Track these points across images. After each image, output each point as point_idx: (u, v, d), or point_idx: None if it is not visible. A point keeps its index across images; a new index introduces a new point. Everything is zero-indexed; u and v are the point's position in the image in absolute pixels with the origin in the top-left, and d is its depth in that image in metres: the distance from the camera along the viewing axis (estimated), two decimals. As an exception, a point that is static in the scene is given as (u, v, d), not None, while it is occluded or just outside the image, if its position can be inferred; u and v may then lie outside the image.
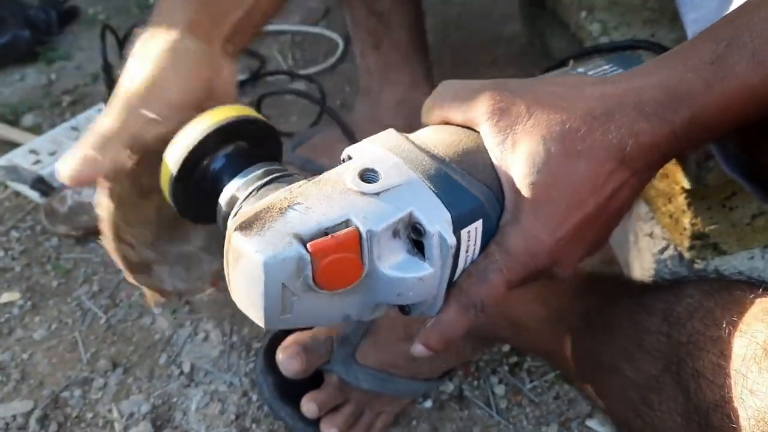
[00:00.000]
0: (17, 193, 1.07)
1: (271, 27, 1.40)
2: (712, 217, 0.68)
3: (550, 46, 0.93)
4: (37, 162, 1.07)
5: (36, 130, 1.20)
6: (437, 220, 0.39)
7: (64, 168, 0.50)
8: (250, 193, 0.44)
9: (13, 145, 1.14)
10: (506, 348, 0.81)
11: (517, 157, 0.41)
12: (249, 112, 0.49)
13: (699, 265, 0.71)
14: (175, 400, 0.79)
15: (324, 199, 0.39)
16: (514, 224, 0.42)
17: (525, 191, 0.41)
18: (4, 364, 0.83)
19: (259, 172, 0.46)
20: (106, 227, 0.46)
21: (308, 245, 0.38)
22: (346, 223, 0.38)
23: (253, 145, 0.49)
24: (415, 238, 0.40)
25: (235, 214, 0.43)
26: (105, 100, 1.18)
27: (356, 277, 0.39)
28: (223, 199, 0.46)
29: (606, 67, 0.53)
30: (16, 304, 0.90)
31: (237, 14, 0.58)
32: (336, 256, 0.38)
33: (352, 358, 0.71)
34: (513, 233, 0.42)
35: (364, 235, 0.38)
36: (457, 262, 0.41)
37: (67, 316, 0.88)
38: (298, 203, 0.39)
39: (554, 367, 0.76)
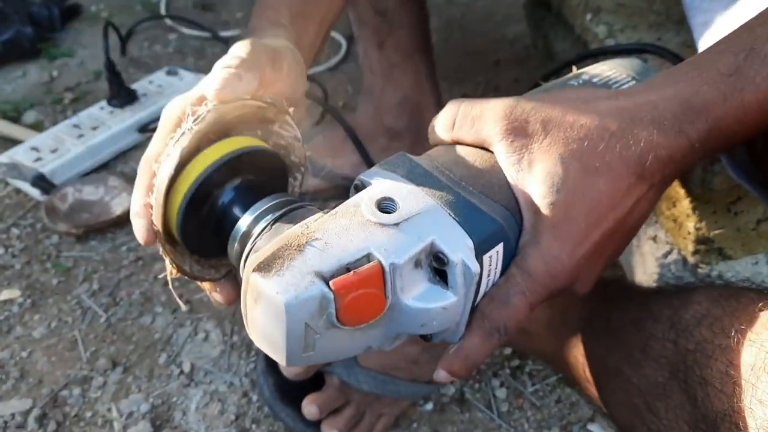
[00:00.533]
0: (18, 191, 1.07)
1: (274, 26, 1.39)
2: (717, 222, 0.68)
3: (554, 47, 0.92)
4: (38, 159, 1.06)
5: (38, 127, 1.20)
6: (460, 249, 0.38)
7: (216, 82, 0.46)
8: (264, 228, 0.43)
9: (15, 142, 1.14)
10: (508, 351, 0.80)
11: (534, 176, 0.41)
12: (255, 142, 0.48)
13: (703, 269, 0.71)
14: (174, 399, 0.78)
15: (342, 232, 0.38)
16: (534, 245, 0.41)
17: (544, 211, 0.40)
18: (3, 362, 0.83)
19: (271, 204, 0.44)
20: (164, 181, 0.44)
21: (331, 283, 0.37)
22: (368, 257, 0.37)
23: (260, 176, 0.48)
24: (437, 267, 0.39)
25: (249, 252, 0.42)
26: (107, 98, 1.17)
27: (379, 311, 0.38)
28: (235, 235, 0.45)
29: (610, 73, 0.52)
30: (15, 302, 0.90)
31: (316, 48, 0.61)
32: (359, 293, 0.37)
33: (354, 360, 0.70)
34: (533, 254, 0.41)
35: (387, 269, 0.37)
36: (479, 287, 0.41)
37: (67, 315, 0.88)
38: (316, 239, 0.38)
39: (556, 370, 0.76)
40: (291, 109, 0.49)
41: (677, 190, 0.68)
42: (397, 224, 0.39)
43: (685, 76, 0.42)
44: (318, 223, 0.39)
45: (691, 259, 0.71)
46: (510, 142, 0.42)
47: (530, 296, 0.41)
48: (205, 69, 1.29)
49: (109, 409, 0.77)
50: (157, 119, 1.14)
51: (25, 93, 1.29)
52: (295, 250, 0.38)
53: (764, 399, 0.35)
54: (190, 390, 0.79)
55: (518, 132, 0.42)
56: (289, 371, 0.70)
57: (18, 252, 0.97)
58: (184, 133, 0.44)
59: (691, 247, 0.70)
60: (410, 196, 0.40)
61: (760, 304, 0.40)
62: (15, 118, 1.22)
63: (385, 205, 0.40)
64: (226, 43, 1.35)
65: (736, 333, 0.39)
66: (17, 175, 1.05)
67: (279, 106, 0.48)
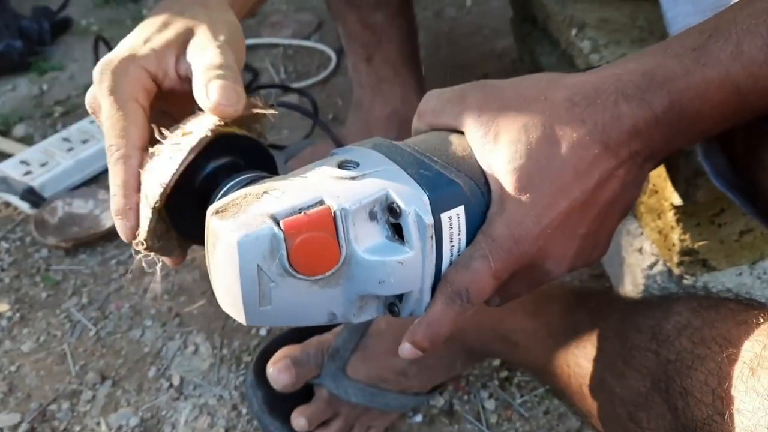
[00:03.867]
0: (7, 204, 1.07)
1: (263, 40, 1.40)
2: (701, 234, 0.69)
3: (540, 61, 0.93)
4: (28, 173, 1.06)
5: (27, 140, 1.20)
6: (413, 201, 0.39)
7: (226, 99, 0.46)
8: (230, 188, 0.44)
9: (4, 155, 1.14)
10: (497, 362, 0.81)
11: (499, 147, 0.41)
12: (241, 131, 0.48)
13: (688, 281, 0.72)
14: (164, 413, 0.78)
15: (300, 184, 0.40)
16: (499, 213, 0.41)
17: (508, 178, 0.41)
18: (-8, 377, 0.83)
19: (245, 176, 0.45)
20: (161, 189, 0.45)
21: (281, 222, 0.37)
22: (320, 203, 0.38)
23: (247, 163, 0.48)
24: (393, 221, 0.39)
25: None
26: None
27: (333, 260, 0.38)
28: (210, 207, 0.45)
29: None
30: (4, 316, 0.90)
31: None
32: (309, 234, 0.37)
33: (342, 372, 0.71)
34: (498, 220, 0.41)
35: (337, 213, 0.38)
36: (441, 251, 0.41)
37: (56, 328, 0.88)
38: (275, 189, 0.40)
39: (544, 382, 0.76)
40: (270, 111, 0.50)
41: (662, 202, 0.69)
42: (353, 178, 0.40)
43: (650, 52, 0.42)
44: (281, 180, 0.41)
45: (676, 271, 0.72)
46: (477, 116, 0.43)
47: (494, 261, 0.41)
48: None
49: (98, 423, 0.77)
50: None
51: (14, 106, 1.29)
52: (253, 198, 0.39)
53: (741, 408, 0.36)
54: (180, 403, 0.79)
55: (485, 108, 0.43)
56: (277, 383, 0.70)
57: (7, 265, 0.97)
58: (182, 149, 0.44)
59: (676, 259, 0.71)
60: (371, 159, 0.41)
61: (739, 315, 0.40)
62: (4, 132, 1.22)
63: (346, 166, 0.41)
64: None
65: (715, 343, 0.39)
66: (6, 189, 1.05)
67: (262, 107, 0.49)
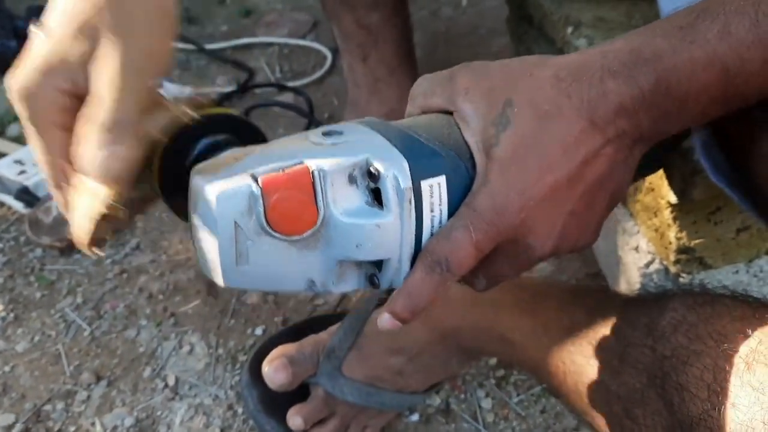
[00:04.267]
0: (1, 204, 1.07)
1: (259, 39, 1.40)
2: (698, 232, 0.69)
3: (537, 60, 0.93)
4: (22, 172, 1.06)
5: (21, 140, 1.20)
6: (393, 165, 0.39)
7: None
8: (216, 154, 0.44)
9: (-2, 155, 1.14)
10: (493, 361, 0.81)
11: (485, 121, 0.41)
12: (230, 111, 0.49)
13: (685, 279, 0.72)
14: (159, 413, 0.78)
15: (283, 148, 0.41)
16: (482, 184, 0.41)
17: (492, 150, 0.41)
18: (-14, 377, 0.82)
19: (237, 149, 0.45)
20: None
21: (259, 179, 0.38)
22: (300, 164, 0.39)
23: (240, 141, 0.48)
24: (373, 186, 0.40)
25: None
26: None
27: (311, 221, 0.39)
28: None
29: None
30: (-2, 316, 0.89)
31: None
32: (287, 193, 0.38)
33: (338, 371, 0.70)
34: (481, 191, 0.41)
35: (315, 173, 0.38)
36: (422, 220, 0.41)
37: (51, 328, 0.88)
38: (257, 152, 0.40)
39: (540, 380, 0.76)
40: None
41: (658, 200, 0.69)
42: (335, 144, 0.40)
43: (637, 32, 0.42)
44: (265, 145, 0.42)
45: (672, 269, 0.72)
46: (465, 95, 0.43)
47: (475, 232, 0.40)
48: (190, 81, 1.30)
49: (93, 424, 0.77)
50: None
51: (8, 106, 1.29)
52: (234, 159, 0.40)
53: (737, 402, 0.36)
54: (175, 403, 0.79)
55: (473, 87, 0.43)
56: (273, 382, 0.70)
57: (1, 265, 0.97)
58: None
59: (672, 257, 0.71)
60: (355, 129, 0.42)
61: (734, 310, 0.40)
62: (-1, 132, 1.22)
63: (330, 134, 0.41)
64: (211, 56, 1.36)
65: (710, 339, 0.39)
66: (1, 188, 1.05)
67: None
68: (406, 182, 0.39)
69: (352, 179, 0.40)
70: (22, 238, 1.00)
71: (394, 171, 0.39)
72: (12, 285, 0.94)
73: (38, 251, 0.98)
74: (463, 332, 0.68)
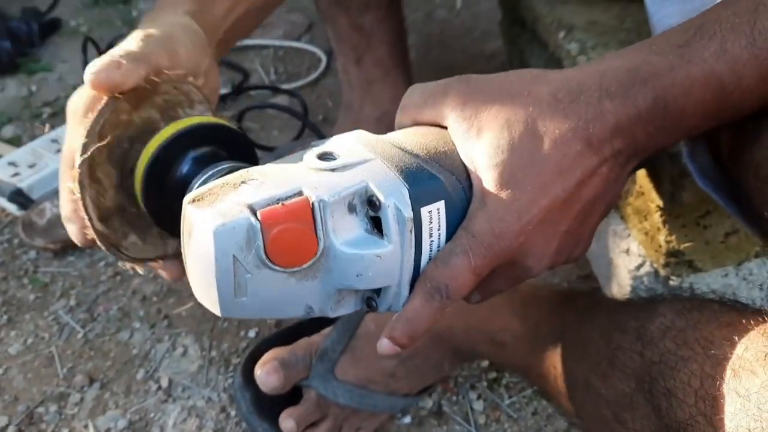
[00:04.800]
0: (-5, 206, 1.07)
1: (253, 41, 1.40)
2: (687, 235, 0.69)
3: (530, 64, 0.94)
4: (16, 174, 1.06)
5: (15, 141, 1.20)
6: (393, 194, 0.39)
7: (94, 67, 0.46)
8: (209, 177, 0.44)
9: (-8, 157, 1.13)
10: (485, 364, 0.81)
11: (481, 142, 0.41)
12: (222, 121, 0.48)
13: (674, 282, 0.72)
14: (152, 415, 0.78)
15: (279, 174, 0.39)
16: (480, 208, 0.41)
17: (490, 174, 0.41)
18: (-21, 379, 0.82)
19: (225, 166, 0.45)
20: (79, 159, 0.45)
21: (258, 213, 0.37)
22: (299, 194, 0.38)
23: (227, 153, 0.48)
24: (373, 214, 0.39)
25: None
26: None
27: (311, 252, 0.38)
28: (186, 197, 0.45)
29: None
30: (-8, 318, 0.89)
31: (228, 23, 0.59)
32: (287, 226, 0.37)
33: (331, 373, 0.71)
34: (478, 216, 0.41)
35: (315, 204, 0.38)
36: (421, 246, 0.41)
37: (44, 331, 0.88)
38: (254, 179, 0.39)
39: (531, 382, 0.77)
40: (192, 79, 0.50)
41: (648, 204, 0.70)
42: (333, 170, 0.39)
43: (633, 49, 0.42)
44: (259, 168, 0.40)
45: (662, 272, 0.73)
46: (460, 112, 0.42)
47: (474, 257, 0.41)
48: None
49: (86, 426, 0.77)
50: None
51: (2, 108, 1.29)
52: (231, 187, 0.39)
53: (723, 410, 0.36)
54: (168, 406, 0.79)
55: (468, 103, 0.42)
56: (266, 385, 0.70)
57: (-6, 268, 0.97)
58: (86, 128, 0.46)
59: (662, 260, 0.71)
60: (351, 151, 0.41)
61: (722, 316, 0.41)
62: (-8, 134, 1.22)
63: (326, 157, 0.40)
64: (206, 58, 1.36)
65: (698, 345, 0.40)
66: (-6, 191, 1.05)
67: (174, 78, 0.49)
68: (407, 212, 0.39)
69: (351, 208, 0.39)
70: (16, 241, 1.00)
71: (395, 200, 0.39)
72: (5, 287, 0.94)
73: (32, 253, 0.98)
74: (454, 335, 0.69)
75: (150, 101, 0.48)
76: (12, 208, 1.04)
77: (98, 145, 0.45)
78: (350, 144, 0.42)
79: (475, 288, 0.43)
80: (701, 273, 0.72)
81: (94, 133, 0.45)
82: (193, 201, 0.39)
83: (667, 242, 0.70)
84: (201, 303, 0.41)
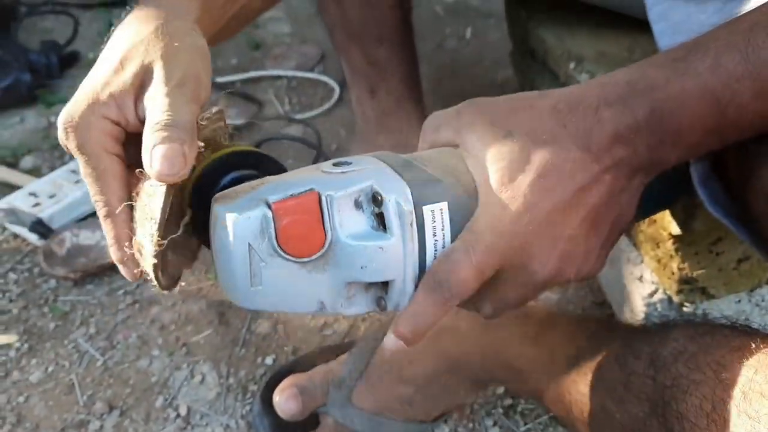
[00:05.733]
0: (16, 236, 1.09)
1: (268, 72, 1.43)
2: (699, 262, 0.70)
3: (540, 93, 0.95)
4: (37, 204, 1.08)
5: (35, 172, 1.22)
6: (395, 190, 0.42)
7: (162, 161, 0.42)
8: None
9: (13, 187, 1.16)
10: (500, 390, 0.81)
11: (485, 151, 0.44)
12: (254, 148, 0.51)
13: (688, 308, 0.73)
14: (170, 442, 0.79)
15: (295, 177, 0.44)
16: (482, 209, 0.43)
17: (492, 177, 0.43)
18: (0, 407, 0.83)
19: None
20: (159, 216, 0.45)
21: (271, 203, 0.41)
22: (310, 191, 0.42)
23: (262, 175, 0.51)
24: (377, 211, 0.42)
25: None
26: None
27: (319, 243, 0.42)
28: None
29: None
30: (13, 347, 0.91)
31: (230, 14, 0.60)
32: (297, 216, 0.41)
33: (348, 400, 0.71)
34: (481, 216, 0.43)
35: (323, 198, 0.41)
36: (425, 244, 0.43)
37: (64, 359, 0.89)
38: (272, 181, 0.43)
39: (547, 409, 0.77)
40: (215, 109, 0.50)
41: (660, 231, 0.71)
42: (343, 173, 0.43)
43: (633, 65, 0.44)
44: (280, 175, 0.45)
45: (675, 299, 0.73)
46: (470, 128, 0.45)
47: (474, 253, 0.42)
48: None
49: (106, 453, 0.78)
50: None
51: (22, 139, 1.32)
52: (251, 187, 0.43)
53: (735, 432, 0.37)
54: (186, 432, 0.80)
55: (477, 121, 0.45)
56: (284, 412, 0.71)
57: (15, 296, 0.98)
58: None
59: (675, 287, 0.72)
60: (364, 160, 0.45)
61: (733, 341, 0.42)
62: (13, 164, 1.24)
63: (340, 164, 0.44)
64: (221, 89, 1.39)
65: (709, 369, 0.40)
66: (15, 221, 1.07)
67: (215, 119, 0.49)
68: (407, 206, 0.42)
69: (358, 204, 0.42)
70: (36, 270, 1.02)
71: (396, 196, 0.42)
72: (26, 316, 0.95)
73: (52, 282, 1.00)
74: (470, 362, 0.70)
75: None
76: (33, 237, 1.06)
77: (173, 237, 0.45)
78: (364, 156, 0.46)
79: (483, 293, 0.45)
80: (714, 300, 0.72)
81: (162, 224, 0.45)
82: (217, 200, 0.43)
83: (680, 269, 0.70)
84: (226, 294, 0.44)
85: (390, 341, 0.44)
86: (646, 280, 0.78)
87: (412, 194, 0.42)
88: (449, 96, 1.33)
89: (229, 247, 0.42)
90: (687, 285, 0.72)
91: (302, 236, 0.41)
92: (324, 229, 0.42)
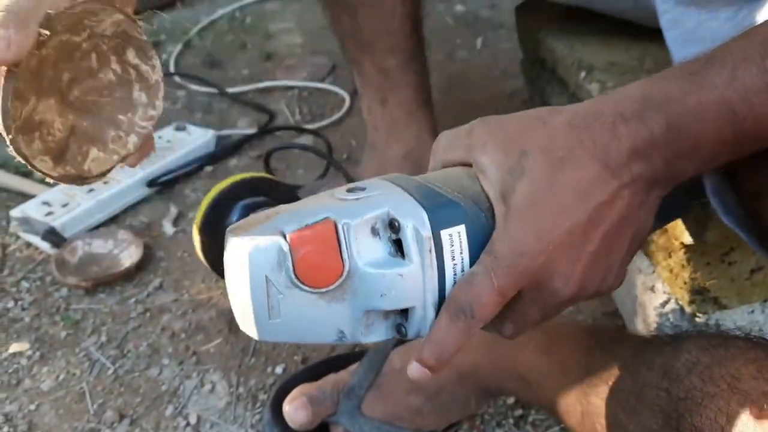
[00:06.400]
0: (28, 244, 1.09)
1: (279, 83, 1.44)
2: (712, 272, 0.70)
3: (551, 103, 0.95)
4: (49, 213, 1.09)
5: (48, 181, 1.23)
6: (412, 216, 0.41)
7: None
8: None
9: (26, 196, 1.16)
10: (511, 401, 0.81)
11: (501, 171, 0.43)
12: (264, 175, 0.51)
13: (701, 319, 0.72)
14: (180, 452, 0.79)
15: (309, 205, 0.43)
16: (501, 231, 0.43)
17: (510, 199, 0.42)
18: (12, 416, 0.84)
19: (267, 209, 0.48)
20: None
21: (287, 235, 0.40)
22: (326, 219, 0.41)
23: (270, 199, 0.51)
24: (395, 237, 0.42)
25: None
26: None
27: (337, 273, 0.41)
28: None
29: None
30: (24, 355, 0.91)
31: None
32: (314, 247, 0.40)
33: (358, 410, 0.71)
34: (500, 238, 0.43)
35: (340, 227, 0.40)
36: (444, 268, 0.42)
37: (75, 367, 0.89)
38: (286, 210, 0.43)
39: (558, 420, 0.76)
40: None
41: (672, 241, 0.70)
42: (357, 199, 0.42)
43: (648, 78, 0.44)
44: (294, 203, 0.44)
45: (688, 309, 0.73)
46: (482, 147, 0.44)
47: (496, 277, 0.42)
48: (213, 124, 1.33)
49: (116, 462, 0.78)
50: (166, 173, 1.18)
51: (37, 149, 1.33)
52: (265, 217, 0.42)
53: (750, 445, 0.36)
54: (196, 442, 0.80)
55: (490, 139, 0.44)
56: (294, 421, 0.70)
57: (27, 305, 0.99)
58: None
59: (687, 297, 0.72)
60: (377, 184, 0.44)
61: (748, 353, 0.41)
62: (26, 173, 1.25)
63: (353, 190, 0.43)
64: (233, 99, 1.39)
65: (723, 381, 0.40)
66: (28, 229, 1.07)
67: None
68: (425, 232, 0.41)
69: (374, 231, 0.42)
70: (49, 278, 1.03)
71: (413, 221, 0.41)
72: (38, 324, 0.96)
73: (64, 291, 1.00)
74: (481, 372, 0.69)
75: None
76: (45, 246, 1.06)
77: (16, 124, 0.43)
78: (377, 180, 0.45)
79: (505, 315, 0.44)
80: (727, 310, 0.72)
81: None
82: (232, 231, 0.42)
83: (692, 279, 0.70)
84: (242, 329, 0.43)
85: (414, 369, 0.44)
86: (658, 290, 0.77)
87: (429, 219, 0.41)
88: (459, 105, 1.33)
89: (246, 280, 0.41)
90: (699, 295, 0.71)
91: (320, 266, 0.41)
92: (342, 258, 0.41)
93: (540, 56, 0.97)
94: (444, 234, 0.42)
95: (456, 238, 0.42)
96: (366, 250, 0.41)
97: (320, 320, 0.42)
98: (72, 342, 0.93)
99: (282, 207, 0.44)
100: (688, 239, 0.66)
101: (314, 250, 0.40)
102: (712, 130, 0.42)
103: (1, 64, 0.42)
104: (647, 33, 0.78)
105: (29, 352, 0.91)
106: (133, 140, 0.52)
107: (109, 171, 0.51)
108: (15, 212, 1.10)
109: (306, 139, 1.27)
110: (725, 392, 0.40)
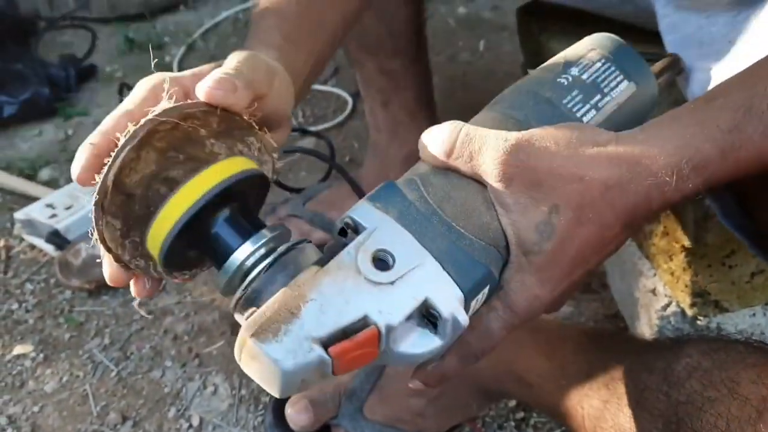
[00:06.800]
0: (32, 246, 1.10)
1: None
2: (712, 275, 0.70)
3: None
4: (53, 216, 1.09)
5: (53, 184, 1.23)
6: (451, 303, 0.40)
7: (211, 82, 0.44)
8: (260, 271, 0.42)
9: (30, 198, 1.17)
10: (512, 403, 0.81)
11: (528, 222, 0.42)
12: (245, 165, 0.46)
13: (702, 322, 0.72)
14: (183, 453, 0.79)
15: (337, 293, 0.39)
16: (519, 283, 0.43)
17: (533, 257, 0.42)
18: (15, 417, 0.84)
19: (267, 239, 0.43)
20: (114, 167, 0.44)
21: (330, 351, 0.38)
22: (364, 320, 0.39)
23: (248, 196, 0.47)
24: (428, 317, 0.41)
25: (242, 297, 0.42)
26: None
27: (371, 360, 0.40)
28: (228, 269, 0.43)
29: (599, 65, 0.52)
30: (28, 357, 0.92)
31: (307, 70, 0.59)
32: (357, 354, 0.39)
33: (359, 412, 0.71)
34: (517, 291, 0.43)
35: (383, 331, 0.39)
36: None
37: (79, 369, 0.90)
38: (312, 299, 0.39)
39: (559, 422, 0.76)
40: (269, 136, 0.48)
41: (673, 244, 0.71)
42: (392, 282, 0.40)
43: (686, 131, 0.42)
44: (312, 282, 0.40)
45: (689, 312, 0.73)
46: (506, 185, 0.42)
47: (507, 328, 0.44)
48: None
49: (119, 463, 0.78)
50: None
51: (40, 151, 1.33)
52: (289, 313, 0.39)
53: (749, 449, 0.37)
54: (199, 444, 0.80)
55: (516, 177, 0.42)
56: (296, 424, 0.71)
57: (31, 307, 0.99)
58: (150, 119, 0.43)
59: (688, 300, 0.72)
60: (405, 248, 0.41)
61: (748, 357, 0.41)
62: (31, 176, 1.25)
63: (380, 258, 0.40)
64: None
65: (724, 385, 0.40)
66: (32, 232, 1.08)
67: (253, 126, 0.46)
68: (464, 320, 0.40)
69: (410, 317, 0.40)
70: (52, 280, 1.03)
71: (453, 311, 0.40)
72: (42, 326, 0.96)
73: (67, 293, 1.01)
74: (482, 375, 0.69)
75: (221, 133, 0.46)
76: (49, 248, 1.07)
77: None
78: (396, 230, 0.41)
79: None
80: (728, 313, 0.72)
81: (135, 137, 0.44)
82: (254, 333, 0.38)
83: (693, 282, 0.70)
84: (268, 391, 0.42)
85: (417, 385, 0.46)
86: (659, 293, 0.77)
87: (464, 298, 0.40)
88: (461, 107, 1.33)
89: (277, 383, 0.39)
90: (700, 298, 0.71)
91: (357, 363, 0.40)
92: (379, 350, 0.40)
93: (542, 60, 0.97)
94: (473, 302, 0.42)
95: (481, 298, 0.43)
96: (401, 337, 0.40)
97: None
98: (75, 344, 0.93)
99: (301, 290, 0.39)
100: (688, 242, 0.67)
101: (357, 356, 0.39)
102: (742, 177, 0.43)
103: (219, 104, 0.44)
104: (647, 35, 0.77)
105: (33, 354, 0.92)
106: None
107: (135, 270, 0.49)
108: (19, 215, 1.10)
109: (308, 142, 1.28)
110: (725, 397, 0.40)
